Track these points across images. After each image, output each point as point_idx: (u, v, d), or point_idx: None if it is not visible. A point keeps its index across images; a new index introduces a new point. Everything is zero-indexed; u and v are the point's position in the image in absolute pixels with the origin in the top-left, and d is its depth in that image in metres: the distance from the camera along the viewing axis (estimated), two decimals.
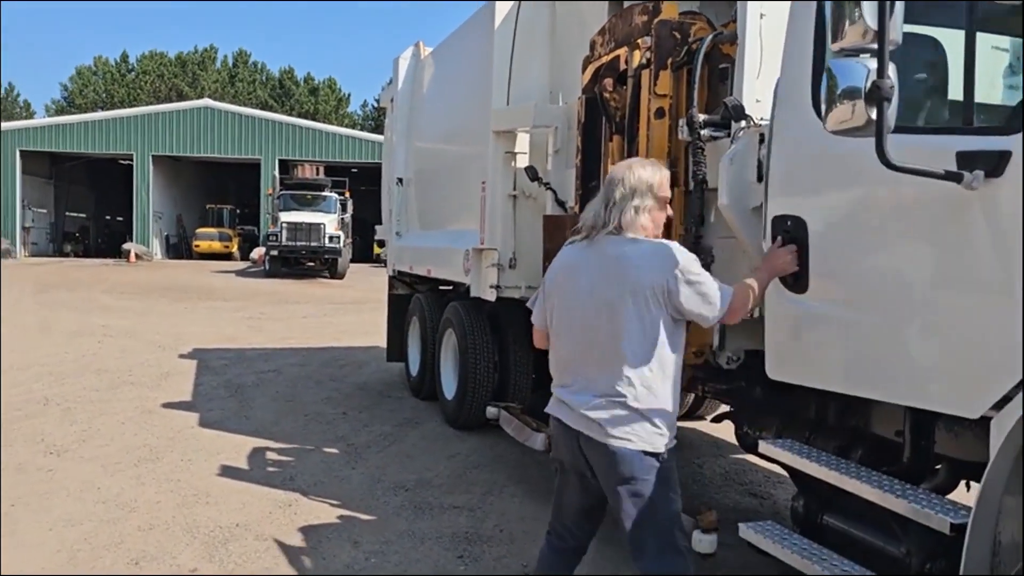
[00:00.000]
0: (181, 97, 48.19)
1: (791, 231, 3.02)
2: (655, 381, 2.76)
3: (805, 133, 2.96)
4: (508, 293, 5.93)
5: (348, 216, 28.62)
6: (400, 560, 4.14)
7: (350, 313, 16.98)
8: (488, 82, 5.94)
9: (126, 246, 33.65)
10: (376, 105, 66.20)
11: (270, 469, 5.69)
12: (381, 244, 10.09)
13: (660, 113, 4.10)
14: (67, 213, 41.94)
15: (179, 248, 39.90)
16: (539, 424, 5.31)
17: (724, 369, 4.12)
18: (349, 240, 28.55)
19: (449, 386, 7.18)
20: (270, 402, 7.88)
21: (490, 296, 5.96)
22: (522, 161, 5.93)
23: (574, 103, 5.54)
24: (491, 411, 5.76)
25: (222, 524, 4.61)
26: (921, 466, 3.22)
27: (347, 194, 29.30)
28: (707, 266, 3.78)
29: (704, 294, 2.77)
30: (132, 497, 5.02)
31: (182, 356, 10.64)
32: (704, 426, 6.76)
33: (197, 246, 36.68)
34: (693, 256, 2.87)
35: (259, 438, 6.50)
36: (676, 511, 2.86)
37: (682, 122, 3.97)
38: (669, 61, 4.07)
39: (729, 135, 3.89)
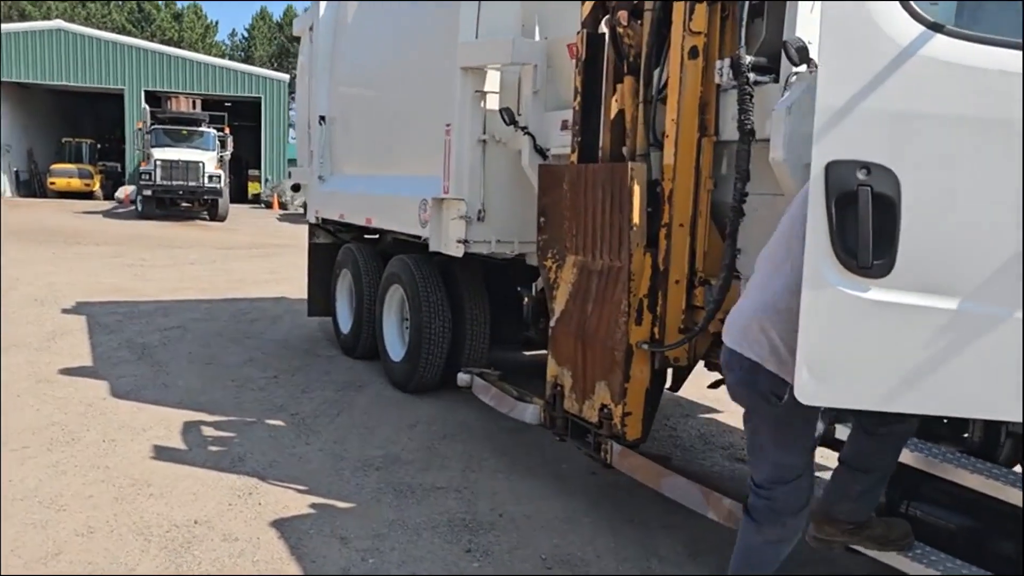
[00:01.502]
0: (23, 17, 43.58)
1: (872, 185, 2.05)
2: None
3: (904, 37, 2.05)
4: (477, 248, 5.41)
5: (228, 154, 26.81)
6: (402, 559, 3.65)
7: (242, 260, 15.90)
8: (454, 12, 5.29)
9: None
10: (247, 35, 62.57)
11: (212, 448, 5.02)
12: (296, 188, 9.22)
13: (694, 53, 3.65)
14: None
15: (31, 185, 36.40)
16: (521, 392, 4.90)
17: None
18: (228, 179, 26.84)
19: (395, 347, 6.63)
20: (187, 365, 7.08)
21: (456, 252, 5.42)
22: (492, 102, 5.36)
23: (557, 39, 5.03)
24: (463, 378, 5.28)
25: (177, 522, 3.96)
26: (992, 443, 3.02)
27: (226, 130, 27.41)
28: (736, 223, 3.44)
29: None
30: (56, 491, 4.27)
31: (65, 311, 9.52)
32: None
33: (53, 183, 33.54)
34: None
35: (187, 410, 5.77)
36: None
37: (722, 64, 3.55)
38: None
39: (776, 80, 3.52)
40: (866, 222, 2.01)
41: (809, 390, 2.13)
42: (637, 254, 3.74)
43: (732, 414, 6.11)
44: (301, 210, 31.86)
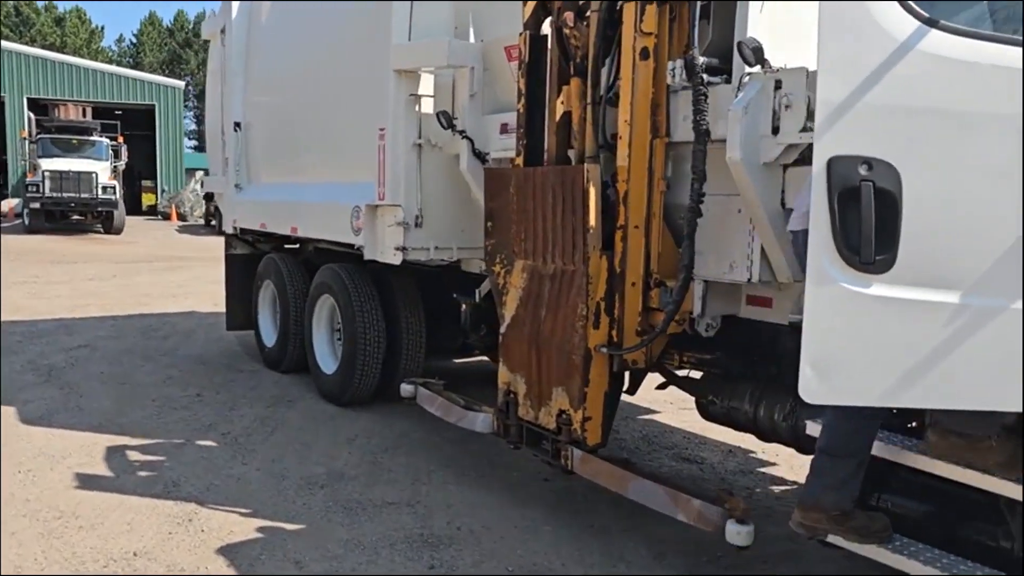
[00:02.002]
0: None
1: (874, 180, 2.08)
2: None
3: (901, 33, 2.08)
4: (415, 255, 5.29)
5: (123, 164, 25.60)
6: None
7: (144, 273, 15.19)
8: (386, 14, 5.15)
9: None
10: (135, 41, 60.13)
11: (142, 474, 4.72)
12: (209, 197, 8.86)
13: (645, 54, 3.65)
14: None
15: None
16: (469, 401, 4.80)
17: (702, 337, 3.85)
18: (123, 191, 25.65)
19: (327, 359, 6.42)
20: (100, 386, 6.66)
21: (394, 259, 5.28)
22: (427, 105, 5.25)
23: (493, 41, 4.96)
24: (407, 388, 5.13)
25: (114, 555, 3.69)
26: None
27: (120, 139, 26.16)
28: (694, 224, 3.45)
29: None
30: None
31: None
32: None
33: None
34: None
35: (107, 434, 5.42)
36: None
37: (675, 65, 3.56)
38: None
39: (728, 80, 3.54)
40: (869, 218, 2.02)
41: (813, 388, 2.13)
42: (593, 257, 3.71)
43: (670, 414, 6.18)
44: (201, 221, 30.82)
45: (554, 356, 3.91)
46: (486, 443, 5.19)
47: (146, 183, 35.24)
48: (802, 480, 4.76)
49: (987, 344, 2.03)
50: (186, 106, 34.66)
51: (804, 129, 3.12)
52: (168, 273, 15.34)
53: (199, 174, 39.53)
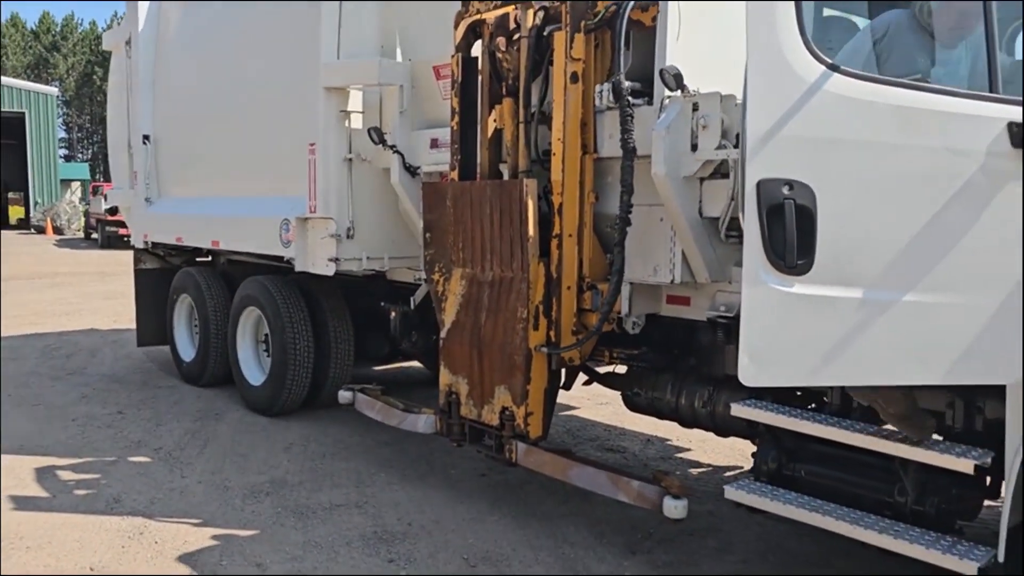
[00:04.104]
0: None
1: (794, 198, 2.50)
2: None
3: (810, 76, 2.50)
4: (347, 266, 5.46)
5: None
6: None
7: (28, 291, 14.54)
8: (315, 32, 5.31)
9: None
10: None
11: (80, 492, 4.71)
12: (114, 211, 8.68)
13: (575, 78, 3.99)
14: None
15: None
16: (408, 404, 5.02)
17: (629, 334, 4.23)
18: None
19: (253, 371, 6.48)
20: (11, 409, 6.49)
21: (327, 270, 5.43)
22: (356, 121, 5.44)
23: (420, 60, 5.21)
24: (345, 395, 5.29)
25: (70, 572, 3.72)
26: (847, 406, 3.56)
27: None
28: (624, 232, 3.82)
29: None
30: None
31: None
32: None
33: None
34: None
35: (31, 455, 5.33)
36: None
37: (603, 88, 3.91)
38: (582, 24, 3.96)
39: (650, 102, 3.92)
40: (791, 229, 2.42)
41: (750, 373, 2.52)
42: (532, 264, 4.01)
43: (589, 409, 6.57)
44: (81, 235, 29.46)
45: (496, 357, 4.19)
46: (422, 444, 5.42)
47: (12, 195, 33.41)
48: (717, 462, 5.25)
49: (886, 330, 2.47)
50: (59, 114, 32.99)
51: (719, 147, 3.54)
52: (55, 290, 14.74)
53: (75, 185, 37.85)
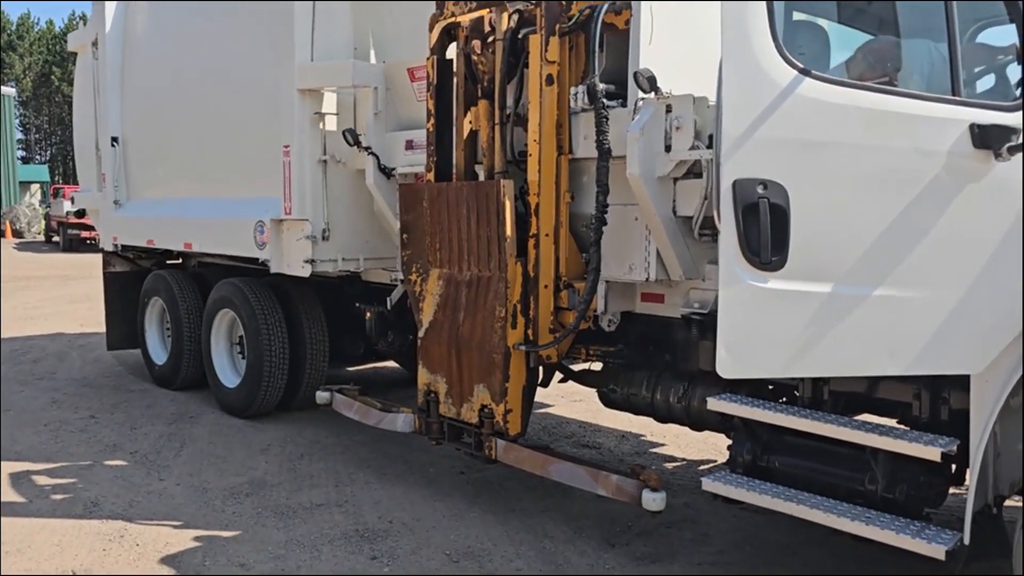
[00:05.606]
0: None
1: (768, 197, 2.63)
2: None
3: (783, 80, 2.64)
4: (323, 267, 5.48)
5: None
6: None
7: None
8: (288, 33, 5.32)
9: None
10: None
11: (56, 497, 4.68)
12: (81, 214, 8.59)
13: (550, 80, 4.06)
14: None
15: None
16: (386, 403, 5.06)
17: (605, 331, 4.31)
18: None
19: (228, 374, 6.47)
20: None
21: (303, 272, 5.45)
22: (331, 123, 5.46)
23: (394, 63, 5.25)
24: (323, 396, 5.31)
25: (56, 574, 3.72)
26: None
27: None
28: (600, 231, 3.90)
29: None
30: None
31: None
32: None
33: None
34: None
35: (4, 461, 5.28)
36: None
37: (578, 90, 3.99)
38: (557, 27, 4.03)
39: (624, 104, 4.00)
40: (765, 227, 2.52)
41: (727, 365, 2.61)
42: (510, 263, 4.08)
43: (563, 407, 6.65)
44: (41, 238, 28.95)
45: (475, 356, 4.25)
46: (399, 444, 5.46)
47: None
48: (691, 456, 5.36)
49: (857, 323, 2.59)
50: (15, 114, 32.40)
51: (692, 147, 3.63)
52: (18, 294, 14.49)
53: (34, 187, 37.17)
